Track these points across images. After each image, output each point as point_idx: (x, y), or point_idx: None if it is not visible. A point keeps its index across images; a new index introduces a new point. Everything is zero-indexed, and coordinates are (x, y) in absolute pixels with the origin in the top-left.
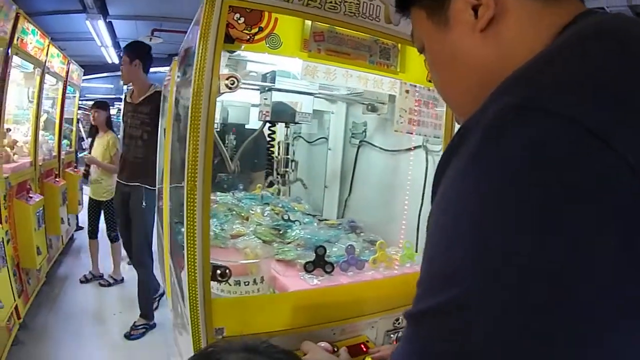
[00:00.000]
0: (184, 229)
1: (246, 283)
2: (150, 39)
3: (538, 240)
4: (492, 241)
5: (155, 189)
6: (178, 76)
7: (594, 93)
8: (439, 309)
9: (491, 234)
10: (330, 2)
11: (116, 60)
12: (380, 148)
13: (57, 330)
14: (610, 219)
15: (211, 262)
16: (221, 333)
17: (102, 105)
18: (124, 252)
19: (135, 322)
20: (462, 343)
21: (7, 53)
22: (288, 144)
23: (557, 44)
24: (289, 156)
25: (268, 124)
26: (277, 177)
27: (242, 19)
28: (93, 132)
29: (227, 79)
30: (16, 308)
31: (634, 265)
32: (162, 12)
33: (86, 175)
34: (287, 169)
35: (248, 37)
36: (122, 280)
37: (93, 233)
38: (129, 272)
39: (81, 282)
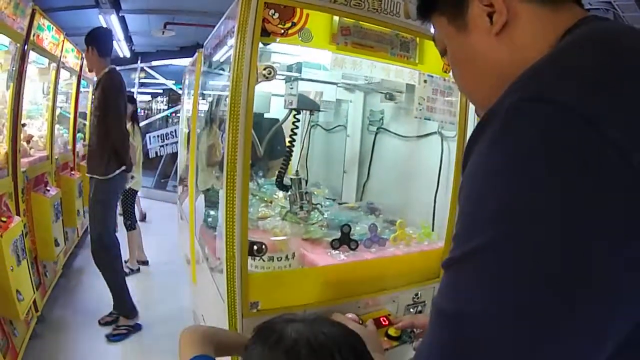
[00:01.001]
0: (213, 212)
1: (279, 259)
2: (163, 32)
3: (548, 197)
4: (511, 198)
5: (106, 179)
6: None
7: (588, 85)
8: (462, 257)
9: (510, 194)
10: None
11: (128, 54)
12: (397, 134)
13: (74, 323)
14: (605, 190)
15: (250, 239)
16: (256, 307)
17: (129, 99)
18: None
19: (118, 322)
20: (483, 287)
21: (24, 49)
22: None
23: (559, 47)
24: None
25: (294, 112)
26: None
27: (277, 14)
28: None
29: (264, 69)
30: (34, 301)
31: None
32: (174, 6)
33: None
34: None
35: (282, 31)
36: (138, 270)
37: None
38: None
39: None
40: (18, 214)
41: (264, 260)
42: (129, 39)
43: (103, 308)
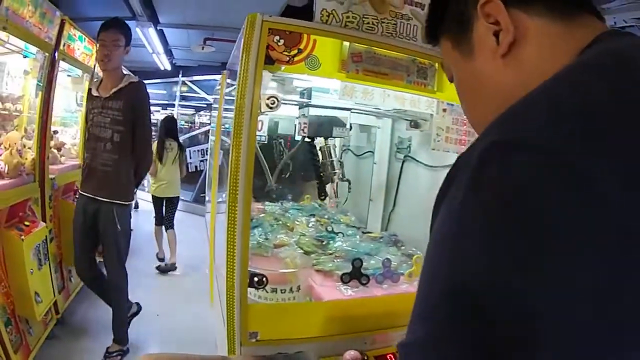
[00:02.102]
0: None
1: (282, 291)
2: (203, 47)
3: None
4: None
5: (129, 204)
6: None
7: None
8: (416, 343)
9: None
10: (368, 23)
11: (168, 67)
12: (423, 163)
13: (95, 327)
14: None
15: (250, 269)
16: (255, 337)
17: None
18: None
19: (108, 348)
20: None
21: (54, 58)
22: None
23: (553, 77)
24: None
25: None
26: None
27: (282, 41)
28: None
29: (267, 98)
30: (55, 304)
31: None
32: (213, 22)
33: None
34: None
35: (288, 58)
36: (175, 267)
37: (159, 221)
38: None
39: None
40: (44, 219)
41: (267, 292)
42: (169, 53)
43: None
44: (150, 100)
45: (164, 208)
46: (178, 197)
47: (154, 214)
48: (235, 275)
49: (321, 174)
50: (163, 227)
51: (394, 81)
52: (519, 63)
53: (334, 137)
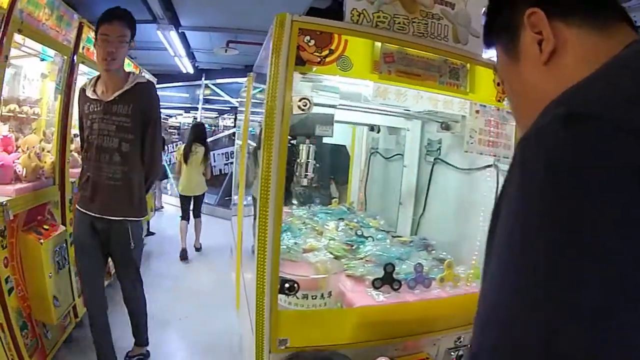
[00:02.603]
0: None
1: (313, 297)
2: (226, 50)
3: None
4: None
5: (141, 220)
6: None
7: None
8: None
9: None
10: (399, 23)
11: (191, 70)
12: (453, 166)
13: (116, 331)
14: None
15: (280, 275)
16: (285, 344)
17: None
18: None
19: (129, 352)
20: None
21: (73, 61)
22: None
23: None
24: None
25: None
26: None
27: (313, 41)
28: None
29: (299, 100)
30: (74, 307)
31: None
32: (235, 25)
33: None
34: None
35: (319, 59)
36: (200, 248)
37: (186, 217)
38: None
39: (181, 259)
40: (64, 223)
41: (297, 298)
42: (191, 56)
43: (148, 319)
44: (173, 104)
45: (192, 204)
46: (204, 193)
47: (180, 212)
48: (266, 281)
49: (294, 176)
50: (189, 221)
51: (427, 82)
52: (559, 70)
53: (317, 136)
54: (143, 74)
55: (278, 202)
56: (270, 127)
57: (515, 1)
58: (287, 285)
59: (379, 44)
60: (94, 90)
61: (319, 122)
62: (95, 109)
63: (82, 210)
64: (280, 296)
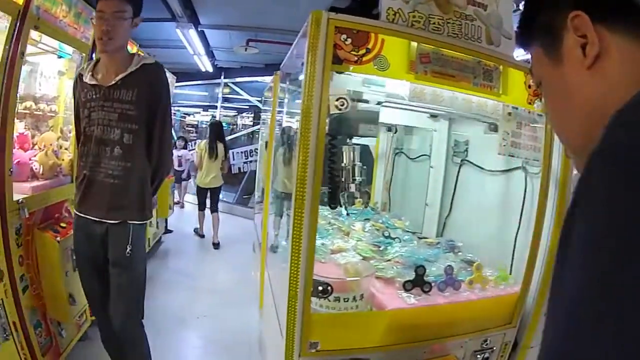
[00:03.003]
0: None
1: (346, 299)
2: (246, 49)
3: None
4: None
5: (145, 223)
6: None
7: None
8: None
9: None
10: (434, 24)
11: (210, 69)
12: (480, 167)
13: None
14: None
15: (315, 278)
16: (315, 347)
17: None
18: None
19: None
20: None
21: (91, 58)
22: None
23: None
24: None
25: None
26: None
27: (349, 40)
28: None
29: (337, 100)
30: None
31: None
32: (255, 23)
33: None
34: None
35: (356, 58)
36: (218, 244)
37: (202, 207)
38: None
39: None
40: None
41: (329, 300)
42: (210, 54)
43: (163, 319)
44: (193, 102)
45: (208, 196)
46: (221, 186)
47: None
48: (299, 284)
49: (337, 180)
50: (206, 210)
51: (461, 83)
52: (603, 76)
53: (361, 136)
54: (153, 56)
55: (314, 204)
56: (307, 127)
57: (558, 2)
58: (320, 288)
59: (414, 44)
60: (93, 75)
61: (362, 120)
62: (94, 96)
63: (79, 214)
64: (312, 299)
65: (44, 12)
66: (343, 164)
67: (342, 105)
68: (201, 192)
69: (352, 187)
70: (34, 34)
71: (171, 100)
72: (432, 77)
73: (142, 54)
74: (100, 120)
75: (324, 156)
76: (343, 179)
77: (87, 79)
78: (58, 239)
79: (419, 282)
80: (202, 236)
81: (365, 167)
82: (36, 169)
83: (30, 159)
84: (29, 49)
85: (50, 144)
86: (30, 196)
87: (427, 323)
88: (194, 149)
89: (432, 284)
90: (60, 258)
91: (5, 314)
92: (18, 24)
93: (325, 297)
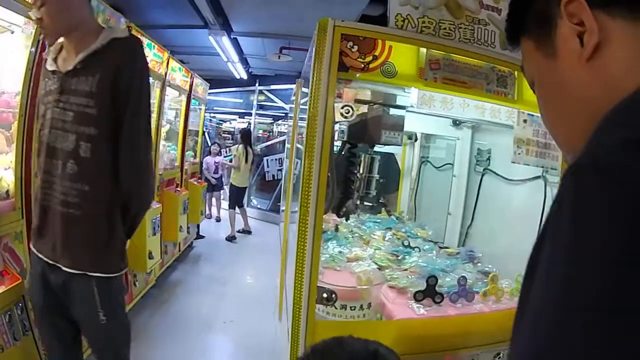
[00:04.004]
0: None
1: (352, 308)
2: (279, 56)
3: None
4: None
5: (120, 275)
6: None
7: None
8: None
9: None
10: (445, 29)
11: (244, 76)
12: (502, 177)
13: (157, 332)
14: None
15: (320, 285)
16: None
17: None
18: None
19: None
20: None
21: None
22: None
23: None
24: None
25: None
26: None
27: (356, 47)
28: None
29: (342, 107)
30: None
31: None
32: (288, 31)
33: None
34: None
35: (362, 65)
36: (250, 231)
37: (232, 206)
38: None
39: (226, 239)
40: None
41: (336, 308)
42: (244, 61)
43: (188, 321)
44: (227, 109)
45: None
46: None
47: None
48: (304, 290)
49: (352, 189)
50: (236, 208)
51: (474, 90)
52: (605, 67)
53: (384, 145)
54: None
55: (319, 211)
56: (312, 134)
57: None
58: (324, 295)
59: (424, 50)
60: (55, 59)
61: (386, 127)
62: (52, 87)
63: (33, 249)
64: (318, 306)
65: None
66: (359, 174)
67: (347, 113)
68: (239, 192)
69: (356, 197)
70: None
71: (149, 89)
72: (443, 83)
73: (114, 24)
74: (53, 122)
75: (342, 164)
76: (354, 188)
77: (49, 63)
78: None
79: (430, 293)
80: (233, 237)
81: (381, 177)
82: None
83: None
84: None
85: None
86: None
87: (437, 334)
88: (227, 156)
89: (445, 295)
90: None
91: (25, 309)
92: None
93: (330, 305)
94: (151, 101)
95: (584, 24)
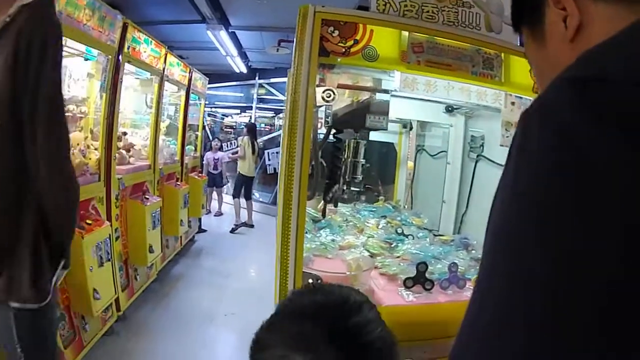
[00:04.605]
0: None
1: None
2: (277, 49)
3: None
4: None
5: (45, 306)
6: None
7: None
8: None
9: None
10: (428, 12)
11: (244, 70)
12: (496, 163)
13: (158, 325)
14: None
15: (307, 270)
16: None
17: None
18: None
19: None
20: None
21: (118, 60)
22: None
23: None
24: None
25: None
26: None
27: (337, 32)
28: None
29: (323, 92)
30: (117, 301)
31: None
32: (286, 23)
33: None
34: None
35: (343, 50)
36: (252, 225)
37: (237, 195)
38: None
39: (231, 232)
40: (109, 218)
41: None
42: (243, 55)
43: (190, 314)
44: (227, 103)
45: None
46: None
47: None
48: (289, 276)
49: (337, 175)
50: (241, 199)
51: (459, 72)
52: (586, 46)
53: (368, 129)
54: None
55: (302, 195)
56: (294, 121)
57: None
58: (310, 280)
59: (406, 33)
60: None
61: (370, 112)
62: None
63: None
64: None
65: (67, 17)
66: (343, 159)
67: (328, 97)
68: (246, 180)
69: (342, 182)
70: None
71: (61, 62)
72: (426, 66)
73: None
74: None
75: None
76: (340, 174)
77: None
78: (83, 235)
79: (420, 279)
80: (237, 226)
81: (366, 162)
82: None
83: None
84: None
85: (78, 144)
86: None
87: (428, 321)
88: (229, 149)
89: (435, 282)
90: (84, 254)
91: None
92: None
93: None
94: (62, 77)
95: (566, 9)
